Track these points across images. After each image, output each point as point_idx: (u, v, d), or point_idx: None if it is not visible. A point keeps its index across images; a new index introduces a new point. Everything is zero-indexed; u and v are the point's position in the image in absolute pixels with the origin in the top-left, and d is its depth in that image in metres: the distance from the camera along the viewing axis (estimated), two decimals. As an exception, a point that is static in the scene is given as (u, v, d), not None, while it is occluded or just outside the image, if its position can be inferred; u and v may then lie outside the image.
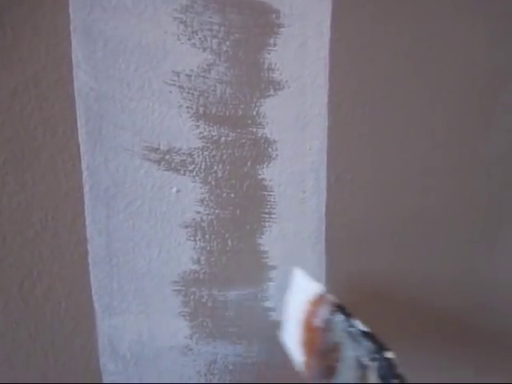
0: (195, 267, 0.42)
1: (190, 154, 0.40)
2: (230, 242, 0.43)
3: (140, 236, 0.40)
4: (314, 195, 0.45)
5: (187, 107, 0.39)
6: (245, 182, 0.42)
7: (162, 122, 0.39)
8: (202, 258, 0.42)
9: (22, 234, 0.37)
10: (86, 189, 0.38)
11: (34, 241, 0.37)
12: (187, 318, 0.43)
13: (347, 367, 0.34)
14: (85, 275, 0.39)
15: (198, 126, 0.40)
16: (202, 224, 0.42)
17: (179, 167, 0.40)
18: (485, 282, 0.53)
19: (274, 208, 0.44)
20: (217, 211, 0.42)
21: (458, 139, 0.49)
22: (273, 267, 0.45)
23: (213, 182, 0.41)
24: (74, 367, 0.41)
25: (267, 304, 0.45)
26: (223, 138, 0.41)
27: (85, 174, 0.38)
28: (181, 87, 0.39)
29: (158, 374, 0.43)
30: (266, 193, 0.43)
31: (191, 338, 0.43)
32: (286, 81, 0.42)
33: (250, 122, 0.41)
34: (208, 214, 0.42)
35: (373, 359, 0.32)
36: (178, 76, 0.39)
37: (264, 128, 0.42)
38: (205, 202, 0.41)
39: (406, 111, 0.47)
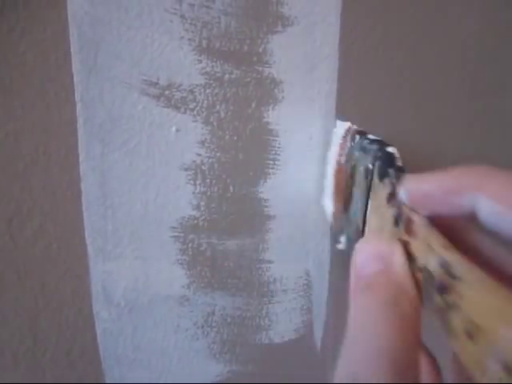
0: (194, 213, 0.40)
1: (191, 91, 0.38)
2: (231, 188, 0.41)
3: (136, 177, 0.38)
4: (320, 143, 0.43)
5: (189, 39, 0.37)
6: (249, 124, 0.40)
7: (162, 54, 0.36)
8: (202, 203, 0.40)
9: (11, 168, 0.35)
10: (80, 122, 0.35)
11: (23, 175, 0.35)
12: (185, 266, 0.41)
13: (359, 187, 0.33)
14: (78, 216, 0.37)
15: (200, 61, 0.37)
16: (203, 167, 0.39)
17: (179, 104, 0.38)
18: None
19: (278, 154, 0.42)
20: (218, 154, 0.40)
21: (475, 86, 0.47)
22: (275, 217, 0.43)
23: (215, 123, 0.39)
24: (65, 313, 0.39)
25: (268, 256, 0.43)
26: (227, 76, 0.38)
27: (78, 105, 0.35)
28: (183, 17, 0.36)
29: (153, 324, 0.41)
30: (270, 137, 0.41)
31: (188, 288, 0.41)
32: (296, 16, 0.39)
33: (255, 59, 0.39)
34: (209, 157, 0.39)
35: (376, 158, 0.30)
36: (180, 4, 0.36)
37: (270, 67, 0.39)
38: (206, 144, 0.39)
39: (423, 56, 0.44)
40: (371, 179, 0.31)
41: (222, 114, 0.39)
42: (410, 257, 0.25)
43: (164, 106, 0.37)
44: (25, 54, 0.33)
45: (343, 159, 0.37)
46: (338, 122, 0.42)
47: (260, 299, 0.44)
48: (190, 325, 0.42)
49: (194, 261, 0.41)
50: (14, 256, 0.36)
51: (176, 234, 0.40)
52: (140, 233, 0.39)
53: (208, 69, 0.38)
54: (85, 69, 0.35)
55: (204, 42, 0.37)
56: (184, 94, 0.38)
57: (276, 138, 0.41)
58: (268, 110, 0.40)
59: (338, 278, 0.46)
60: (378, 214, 0.30)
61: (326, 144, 0.42)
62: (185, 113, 0.38)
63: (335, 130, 0.41)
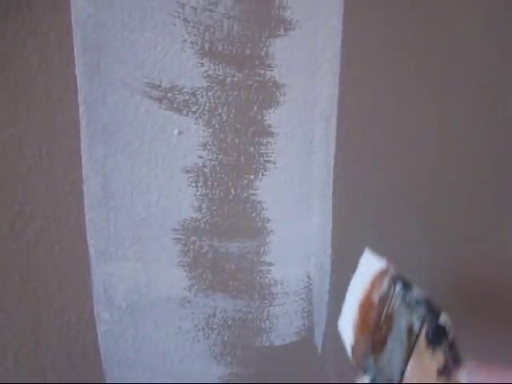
0: (196, 215, 0.40)
1: (194, 94, 0.38)
2: (232, 191, 0.41)
3: (139, 179, 0.38)
4: (322, 146, 0.43)
5: (192, 42, 0.37)
6: (250, 127, 0.40)
7: (165, 57, 0.37)
8: (204, 205, 0.40)
9: (15, 169, 0.35)
10: (83, 124, 0.36)
11: (27, 177, 0.35)
12: (186, 268, 0.41)
13: (397, 338, 0.33)
14: (80, 218, 0.37)
15: (202, 64, 0.38)
16: (205, 170, 0.40)
17: (182, 107, 0.38)
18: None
19: (279, 157, 0.42)
20: (220, 157, 0.40)
21: (478, 94, 0.47)
22: (276, 220, 0.43)
23: (217, 126, 0.39)
24: (66, 315, 0.39)
25: (269, 258, 0.43)
26: (229, 79, 0.39)
27: (81, 108, 0.35)
28: (185, 20, 0.36)
29: (154, 326, 0.41)
30: (272, 140, 0.41)
31: (190, 290, 0.42)
32: (298, 20, 0.39)
33: (257, 62, 0.39)
34: (211, 160, 0.40)
35: (425, 323, 0.31)
36: (183, 8, 0.36)
37: (272, 70, 0.40)
38: (208, 146, 0.39)
39: (426, 60, 0.44)
40: (416, 340, 0.32)
41: (224, 117, 0.39)
42: None
43: (166, 109, 0.38)
44: (29, 56, 0.33)
45: (376, 298, 0.37)
46: (367, 253, 0.41)
47: (261, 301, 0.44)
48: (191, 327, 0.43)
49: (196, 263, 0.41)
50: (16, 257, 0.37)
51: (178, 236, 0.40)
52: (142, 235, 0.39)
53: (210, 72, 0.38)
54: (88, 71, 0.35)
55: (206, 45, 0.37)
56: (186, 97, 0.38)
57: (277, 141, 0.41)
58: (270, 113, 0.40)
59: (340, 280, 0.46)
60: (423, 378, 0.31)
61: (328, 147, 0.42)
62: (187, 115, 0.38)
63: (363, 260, 0.41)
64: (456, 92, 0.47)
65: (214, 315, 0.43)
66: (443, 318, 0.31)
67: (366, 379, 0.36)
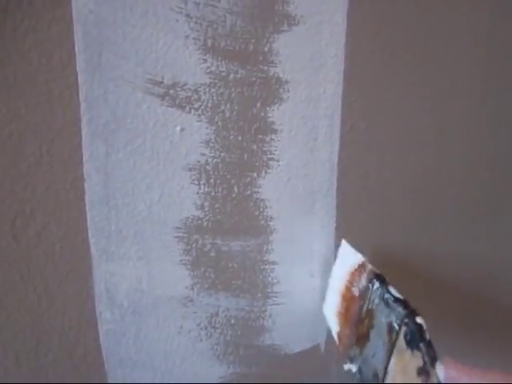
0: (198, 213, 0.40)
1: (196, 91, 0.37)
2: (235, 189, 0.40)
3: (141, 177, 0.38)
4: (326, 143, 0.42)
5: (194, 38, 0.36)
6: (253, 124, 0.40)
7: (167, 53, 0.36)
8: (206, 203, 0.40)
9: (15, 167, 0.34)
10: (84, 122, 0.35)
11: (27, 175, 0.35)
12: (188, 267, 0.41)
13: (378, 333, 0.35)
14: (81, 216, 0.37)
15: (205, 60, 0.37)
16: (207, 167, 0.39)
17: (184, 104, 0.37)
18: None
19: (283, 155, 0.41)
20: (223, 154, 0.39)
21: (483, 91, 0.46)
22: (279, 218, 0.42)
23: (219, 123, 0.39)
24: (68, 314, 0.39)
25: (272, 257, 0.43)
26: (232, 75, 0.38)
27: (83, 105, 0.35)
28: (188, 16, 0.36)
29: (156, 325, 0.41)
30: (275, 137, 0.41)
31: (192, 289, 0.41)
32: (302, 16, 0.39)
33: (261, 58, 0.38)
34: (213, 157, 0.39)
35: (403, 324, 0.32)
36: (186, 3, 0.36)
37: (276, 66, 0.39)
38: (210, 144, 0.39)
39: (431, 57, 0.44)
40: (396, 338, 0.33)
41: (227, 114, 0.39)
42: None
43: (168, 106, 0.37)
44: (29, 52, 0.33)
45: (356, 291, 0.39)
46: (345, 245, 0.43)
47: (264, 300, 0.44)
48: (193, 326, 0.42)
49: (198, 261, 0.41)
50: (17, 256, 0.36)
51: (180, 234, 0.40)
52: (144, 233, 0.39)
53: (213, 68, 0.37)
54: (89, 68, 0.34)
55: (209, 41, 0.37)
56: (189, 94, 0.37)
57: (281, 138, 0.41)
58: (273, 110, 0.40)
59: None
60: (405, 378, 0.32)
61: (332, 144, 0.42)
62: (189, 112, 0.38)
63: (340, 251, 0.43)
64: (460, 88, 0.46)
65: (217, 314, 0.43)
66: (420, 319, 0.32)
67: (353, 367, 0.38)
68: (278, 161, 0.41)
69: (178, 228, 0.40)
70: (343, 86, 0.41)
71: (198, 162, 0.39)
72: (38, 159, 0.35)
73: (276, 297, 0.44)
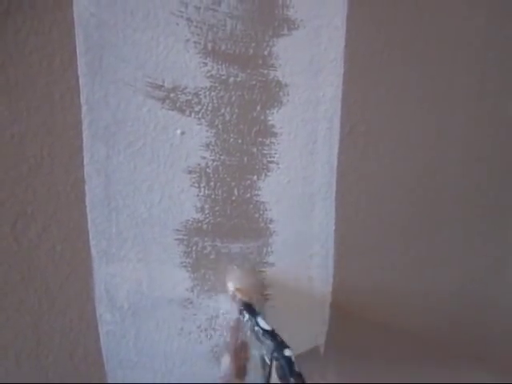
0: (198, 216, 0.40)
1: (197, 94, 0.38)
2: (235, 191, 0.41)
3: (141, 179, 0.38)
4: (325, 146, 0.42)
5: (195, 42, 0.37)
6: (253, 127, 0.40)
7: (168, 57, 0.36)
8: (206, 206, 0.40)
9: (16, 169, 0.35)
10: (85, 125, 0.35)
11: (28, 177, 0.35)
12: (189, 269, 0.41)
13: (255, 366, 0.35)
14: (82, 218, 0.37)
15: (205, 64, 0.37)
16: (207, 170, 0.39)
17: (184, 107, 0.38)
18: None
19: (282, 158, 0.41)
20: (223, 157, 0.40)
21: (482, 93, 0.46)
22: (279, 220, 0.42)
23: (220, 126, 0.39)
24: (68, 315, 0.39)
25: (272, 259, 0.43)
26: (232, 79, 0.38)
27: (84, 108, 0.35)
28: (188, 19, 0.36)
29: (156, 327, 0.41)
30: (275, 140, 0.41)
31: (192, 291, 0.41)
32: (301, 20, 0.39)
33: (261, 62, 0.39)
34: (213, 160, 0.39)
35: (273, 358, 0.32)
36: (186, 7, 0.36)
37: (276, 70, 0.39)
38: (210, 147, 0.39)
39: (429, 60, 0.44)
40: (269, 373, 0.33)
41: (227, 117, 0.39)
42: None
43: (169, 109, 0.37)
44: (30, 55, 0.33)
45: (231, 322, 0.39)
46: None
47: (263, 303, 0.44)
48: (193, 328, 0.42)
49: (198, 264, 0.41)
50: (17, 258, 0.36)
51: (180, 236, 0.40)
52: (144, 235, 0.39)
53: (213, 72, 0.38)
54: (90, 71, 0.35)
55: (209, 45, 0.37)
56: (189, 97, 0.38)
57: (281, 141, 0.41)
58: (273, 113, 0.40)
59: (342, 281, 0.46)
60: None
61: (331, 147, 0.42)
62: (190, 115, 0.38)
63: None
64: (459, 91, 0.46)
65: (217, 316, 0.43)
66: (288, 351, 0.32)
67: None
68: (277, 163, 0.41)
69: (178, 230, 0.40)
70: (342, 90, 0.41)
71: (199, 164, 0.39)
72: (39, 161, 0.35)
73: (274, 299, 0.44)
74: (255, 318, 0.35)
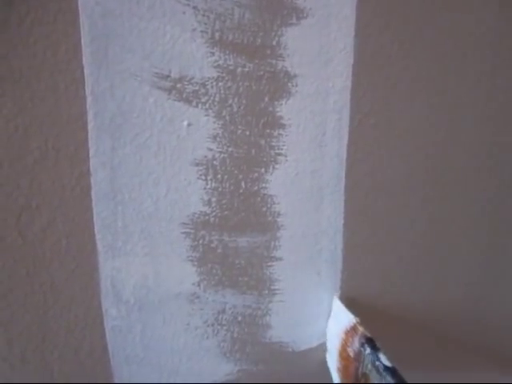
0: (205, 209, 0.39)
1: (204, 85, 0.37)
2: (243, 184, 0.40)
3: (147, 172, 0.37)
4: (334, 138, 0.42)
5: (202, 31, 0.36)
6: (261, 118, 0.39)
7: (174, 47, 0.35)
8: (213, 199, 0.39)
9: (20, 162, 0.34)
10: (90, 116, 0.35)
11: (32, 170, 0.34)
12: (195, 263, 0.40)
13: None
14: (87, 212, 0.36)
15: (212, 54, 0.36)
16: (214, 162, 0.39)
17: (191, 98, 0.37)
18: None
19: (291, 150, 0.41)
20: (230, 149, 0.39)
21: (493, 86, 0.45)
22: (287, 214, 0.42)
23: (227, 117, 0.38)
24: (74, 310, 0.38)
25: (279, 253, 0.43)
26: (240, 69, 0.37)
27: (89, 99, 0.34)
28: (195, 8, 0.35)
29: (162, 322, 0.41)
30: (283, 132, 0.40)
31: (199, 285, 0.41)
32: (310, 8, 0.38)
33: (269, 52, 0.38)
34: (221, 152, 0.39)
35: None
36: (193, -5, 0.35)
37: (284, 60, 0.38)
38: (218, 139, 0.38)
39: (439, 54, 0.43)
40: None
41: (235, 108, 0.38)
42: None
43: (175, 100, 0.37)
44: (35, 45, 0.32)
45: (351, 352, 0.39)
46: (336, 302, 0.43)
47: (271, 297, 0.43)
48: (200, 323, 0.42)
49: (205, 258, 0.40)
50: (22, 252, 0.36)
51: (187, 230, 0.39)
52: (150, 229, 0.38)
53: (221, 62, 0.37)
54: (95, 61, 0.34)
55: (217, 35, 0.36)
56: (196, 88, 0.37)
57: (289, 133, 0.40)
58: (281, 104, 0.39)
59: (351, 277, 0.45)
60: None
61: (340, 139, 0.41)
62: (197, 106, 0.37)
63: (334, 307, 0.43)
64: (470, 83, 0.45)
65: (224, 311, 0.42)
66: None
67: None
68: (285, 156, 0.40)
69: (184, 224, 0.39)
70: (352, 81, 0.41)
71: (205, 157, 0.38)
72: (44, 154, 0.34)
73: (282, 294, 0.44)
74: (377, 353, 0.36)
